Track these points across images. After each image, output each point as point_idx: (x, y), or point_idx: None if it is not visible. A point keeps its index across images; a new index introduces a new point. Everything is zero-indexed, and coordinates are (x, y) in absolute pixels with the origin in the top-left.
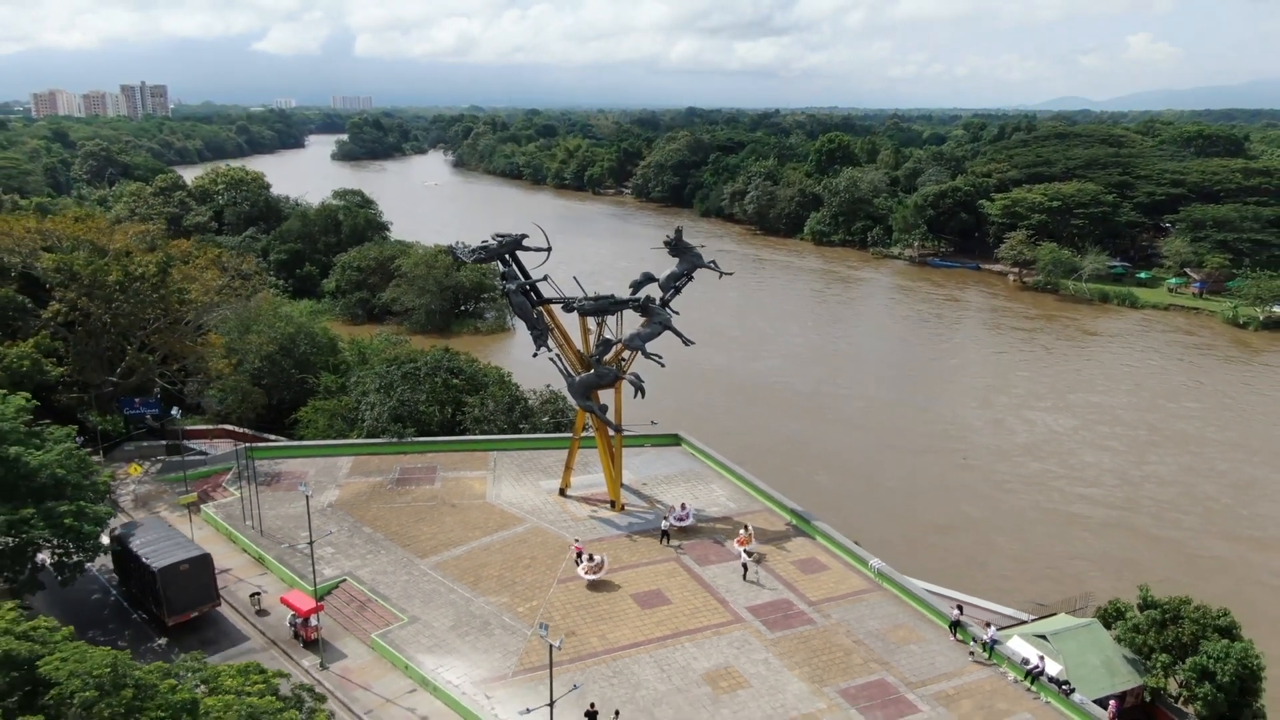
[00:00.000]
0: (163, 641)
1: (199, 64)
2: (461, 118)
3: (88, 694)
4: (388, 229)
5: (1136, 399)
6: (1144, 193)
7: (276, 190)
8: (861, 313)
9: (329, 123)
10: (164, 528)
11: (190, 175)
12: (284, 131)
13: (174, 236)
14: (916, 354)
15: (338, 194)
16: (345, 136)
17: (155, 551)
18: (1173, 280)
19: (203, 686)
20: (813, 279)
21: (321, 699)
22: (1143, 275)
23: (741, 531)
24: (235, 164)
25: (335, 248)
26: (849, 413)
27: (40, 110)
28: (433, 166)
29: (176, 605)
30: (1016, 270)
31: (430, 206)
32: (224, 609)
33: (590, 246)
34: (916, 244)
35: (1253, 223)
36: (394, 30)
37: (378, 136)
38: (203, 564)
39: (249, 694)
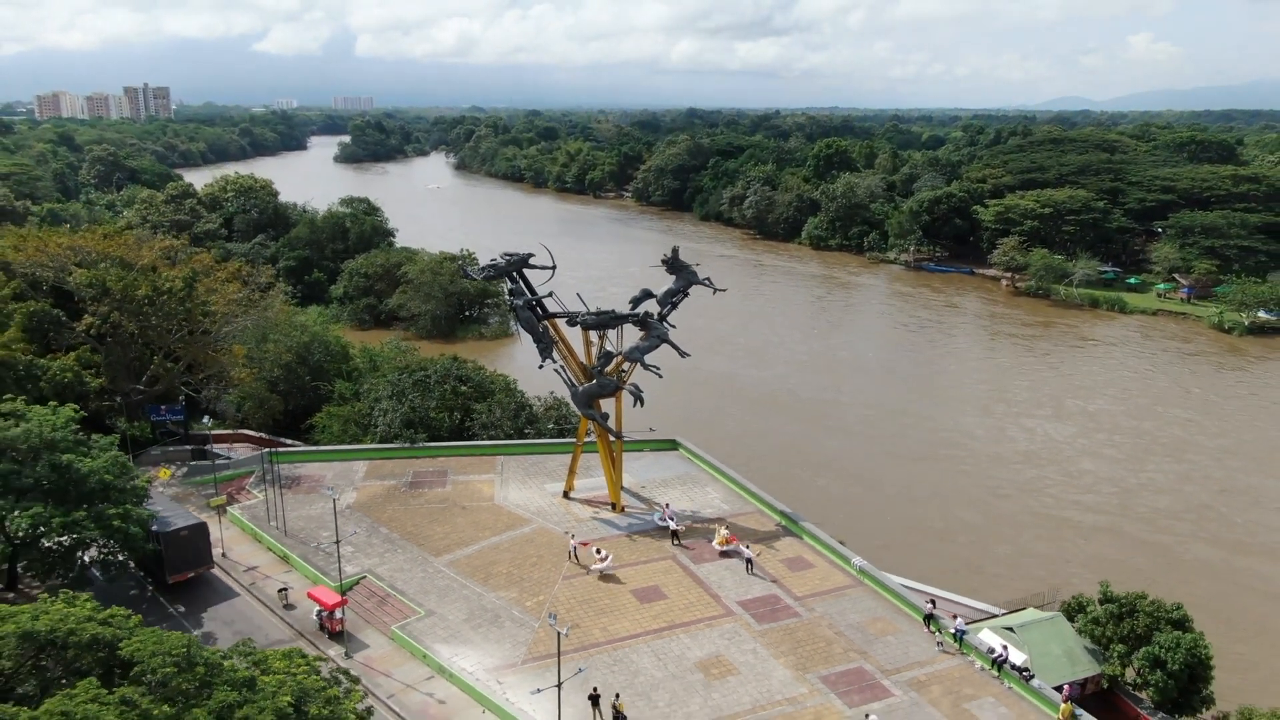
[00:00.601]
0: (198, 633)
1: (200, 64)
2: (463, 119)
3: (167, 670)
4: (393, 235)
5: (1133, 405)
6: (1135, 199)
7: (281, 195)
8: (862, 319)
9: (330, 124)
10: (166, 501)
11: (194, 177)
12: (286, 133)
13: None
14: (917, 361)
15: (344, 201)
16: (347, 138)
17: (159, 520)
18: (1161, 285)
19: (255, 668)
20: (813, 285)
21: (355, 680)
22: (1133, 280)
23: (725, 531)
24: (239, 167)
25: (343, 254)
26: (850, 420)
27: (44, 112)
28: (435, 169)
29: (177, 565)
30: (1009, 275)
31: (434, 210)
32: (230, 590)
33: (594, 252)
34: (912, 249)
35: (1240, 229)
36: (395, 30)
37: (380, 139)
38: (200, 531)
39: (296, 674)
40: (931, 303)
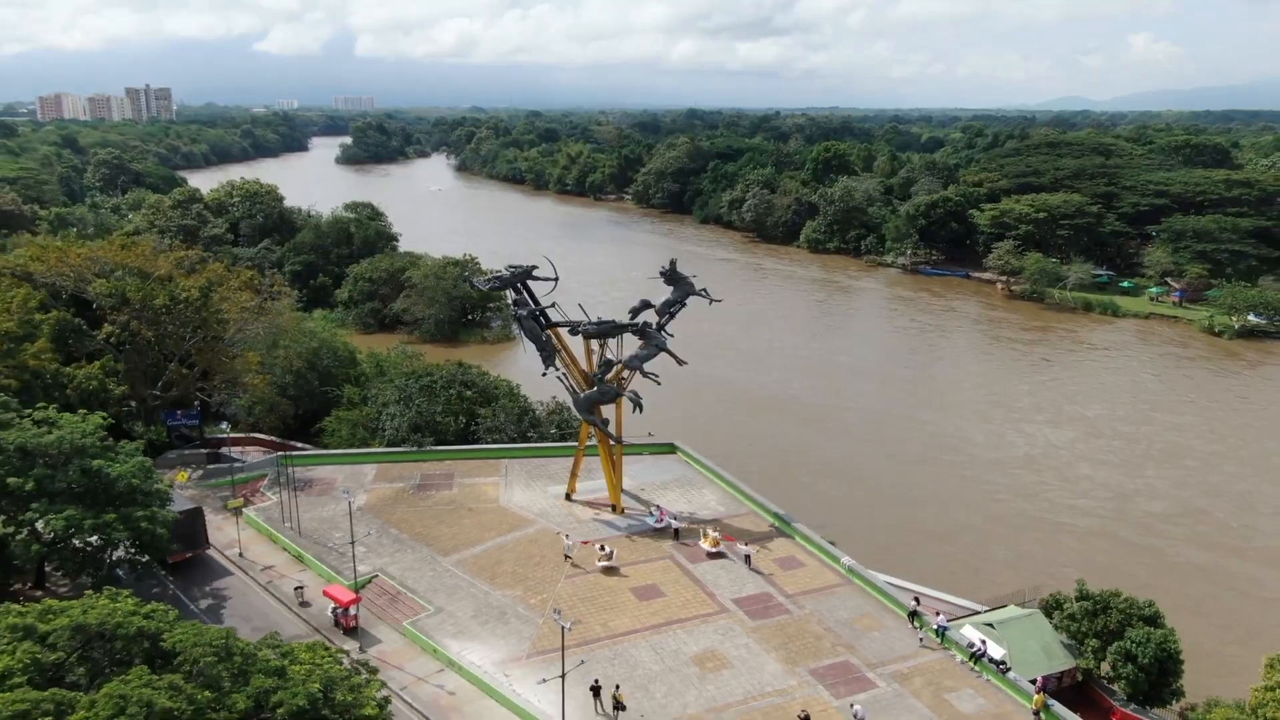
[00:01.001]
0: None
1: (201, 65)
2: (464, 120)
3: (208, 659)
4: (396, 239)
5: (1131, 410)
6: (1129, 203)
7: (285, 198)
8: (862, 323)
9: (331, 124)
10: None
11: (197, 179)
12: (288, 134)
13: (189, 247)
14: (916, 365)
15: (348, 206)
16: (348, 139)
17: None
18: (1154, 289)
19: (283, 659)
20: (814, 289)
21: (375, 670)
22: (1126, 284)
23: (714, 534)
24: (241, 168)
25: (347, 259)
26: (850, 424)
27: (46, 113)
28: (436, 171)
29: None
30: (1004, 279)
31: (436, 213)
32: (247, 587)
33: (595, 255)
34: (909, 252)
35: (1231, 234)
36: (395, 30)
37: (381, 140)
38: (195, 515)
39: (322, 665)
40: (930, 307)
